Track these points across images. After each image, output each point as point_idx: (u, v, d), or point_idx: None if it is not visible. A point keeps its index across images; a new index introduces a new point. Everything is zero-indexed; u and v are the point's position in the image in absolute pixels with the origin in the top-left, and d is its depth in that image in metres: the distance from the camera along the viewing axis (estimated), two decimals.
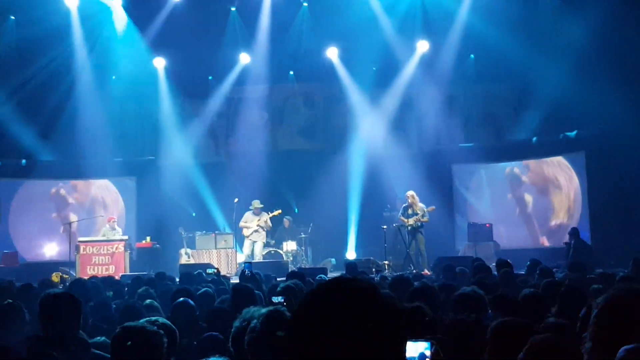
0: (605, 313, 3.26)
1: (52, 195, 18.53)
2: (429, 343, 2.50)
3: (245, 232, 16.19)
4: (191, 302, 5.07)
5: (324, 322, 1.50)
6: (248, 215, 16.29)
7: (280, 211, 16.42)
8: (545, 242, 16.96)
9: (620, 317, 3.21)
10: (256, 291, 6.45)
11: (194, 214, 17.99)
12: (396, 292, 6.36)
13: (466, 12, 16.66)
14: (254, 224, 16.10)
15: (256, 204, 16.27)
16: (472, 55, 17.79)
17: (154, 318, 4.04)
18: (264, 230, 16.22)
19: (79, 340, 4.09)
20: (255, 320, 3.30)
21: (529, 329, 3.22)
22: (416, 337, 2.63)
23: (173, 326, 3.89)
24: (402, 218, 15.08)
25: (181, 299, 5.32)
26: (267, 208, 16.42)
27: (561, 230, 16.35)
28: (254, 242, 16.14)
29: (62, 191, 18.61)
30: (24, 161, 18.01)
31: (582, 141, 16.01)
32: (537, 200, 17.35)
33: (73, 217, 17.99)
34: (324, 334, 1.49)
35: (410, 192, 15.21)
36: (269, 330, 3.11)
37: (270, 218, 16.26)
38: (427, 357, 2.53)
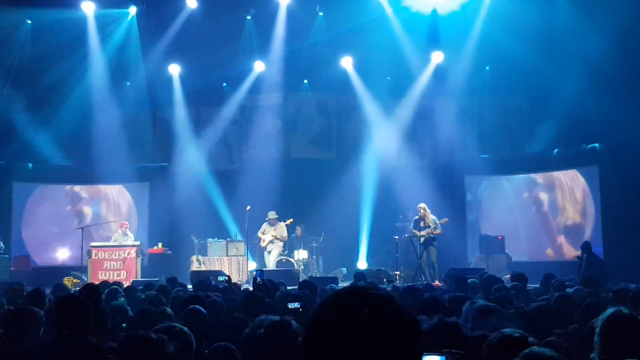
0: (609, 331, 3.24)
1: (67, 192, 18.74)
2: (444, 358, 2.47)
3: (262, 243, 16.34)
4: (202, 309, 5.05)
5: (340, 333, 1.48)
6: (264, 226, 16.43)
7: (291, 220, 16.45)
8: (563, 240, 16.83)
9: (623, 335, 3.19)
10: (267, 299, 6.44)
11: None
12: (407, 302, 6.35)
13: (481, 24, 16.62)
14: (269, 235, 16.18)
15: (271, 215, 16.37)
16: (487, 67, 17.73)
17: (167, 324, 4.03)
18: (280, 241, 16.32)
19: (89, 345, 4.09)
20: (262, 329, 3.30)
21: (524, 343, 3.20)
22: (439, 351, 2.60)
23: (190, 333, 3.87)
24: (414, 231, 15.01)
25: (192, 306, 5.29)
26: (279, 217, 16.44)
27: (578, 230, 16.41)
28: (270, 252, 16.29)
29: (76, 187, 18.77)
30: (30, 165, 18.08)
31: (596, 155, 15.93)
32: (551, 199, 17.31)
33: (87, 210, 18.14)
34: (340, 346, 1.47)
35: (422, 205, 15.13)
36: (273, 338, 3.10)
37: (286, 226, 16.33)
38: None
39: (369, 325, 1.48)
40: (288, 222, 16.38)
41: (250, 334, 3.17)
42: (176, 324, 4.05)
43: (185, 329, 3.90)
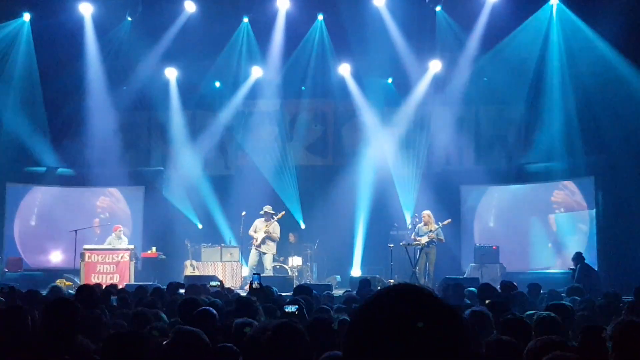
0: (625, 342, 3.22)
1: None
2: None
3: (255, 242, 15.86)
4: (213, 310, 4.93)
5: (391, 333, 1.40)
6: (258, 222, 16.01)
7: (284, 212, 16.15)
8: (558, 251, 16.75)
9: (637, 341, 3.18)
10: (267, 304, 6.38)
11: (200, 226, 18.00)
12: None
13: (478, 35, 16.72)
14: (262, 232, 15.82)
15: (267, 208, 16.01)
16: (485, 78, 17.72)
17: (186, 328, 3.93)
18: (272, 241, 15.93)
19: (78, 345, 4.07)
20: (269, 332, 3.25)
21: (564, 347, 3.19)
22: None
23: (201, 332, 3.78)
24: (418, 238, 14.97)
25: (202, 308, 5.18)
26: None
27: (572, 241, 16.39)
28: (263, 253, 15.82)
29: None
30: (44, 168, 18.04)
31: (592, 166, 15.94)
32: (546, 210, 17.34)
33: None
34: (391, 347, 1.40)
35: (427, 212, 15.20)
36: (278, 341, 3.07)
37: (278, 220, 15.92)
38: None
39: (418, 319, 1.41)
40: (280, 215, 16.04)
41: (253, 337, 3.13)
42: (196, 330, 3.94)
43: (202, 333, 3.82)
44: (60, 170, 18.24)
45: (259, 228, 15.92)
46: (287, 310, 5.22)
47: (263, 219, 15.97)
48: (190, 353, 3.44)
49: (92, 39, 17.24)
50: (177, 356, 3.45)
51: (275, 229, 15.91)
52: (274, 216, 15.94)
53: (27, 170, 18.01)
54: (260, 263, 15.79)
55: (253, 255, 15.88)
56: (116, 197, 18.84)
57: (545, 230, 17.27)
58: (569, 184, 16.96)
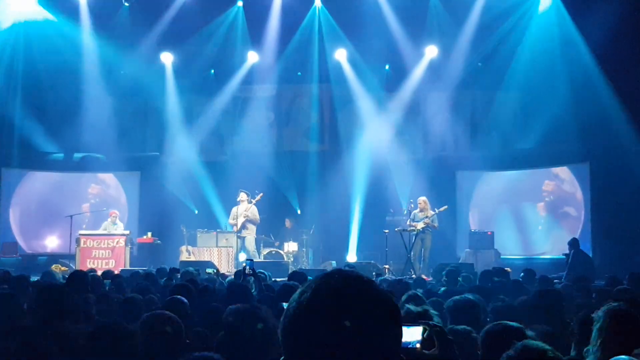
0: (613, 326, 3.24)
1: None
2: (422, 328, 2.52)
3: (235, 229, 15.83)
4: (184, 299, 5.02)
5: (321, 309, 1.49)
6: (235, 210, 15.89)
7: (262, 194, 15.98)
8: (552, 237, 16.80)
9: (628, 331, 3.19)
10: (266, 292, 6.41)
11: (196, 211, 18.03)
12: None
13: (476, 20, 16.67)
14: (241, 217, 15.69)
15: (242, 197, 15.93)
16: (479, 63, 17.70)
17: (158, 311, 4.01)
18: (253, 224, 15.80)
19: (63, 330, 4.10)
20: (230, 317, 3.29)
21: (520, 333, 3.21)
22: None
23: (179, 320, 3.84)
24: (414, 224, 14.98)
25: (172, 296, 5.27)
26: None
27: (567, 227, 16.50)
28: (244, 237, 15.74)
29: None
30: (40, 153, 18.01)
31: (587, 152, 15.96)
32: (541, 195, 17.42)
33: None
34: (322, 321, 1.47)
35: (423, 198, 15.20)
36: (238, 325, 3.11)
37: (256, 205, 15.78)
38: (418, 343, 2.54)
39: (350, 301, 1.48)
40: (258, 197, 15.88)
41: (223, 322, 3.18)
42: (166, 311, 4.03)
43: (175, 316, 3.87)
44: (56, 155, 18.23)
45: (237, 214, 15.89)
46: (284, 306, 5.25)
47: (240, 205, 15.92)
48: (162, 336, 3.47)
49: (88, 23, 17.15)
50: (147, 341, 3.47)
51: (254, 212, 15.82)
52: (251, 200, 15.93)
53: (22, 155, 17.96)
54: (244, 248, 15.80)
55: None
56: (108, 184, 18.83)
57: (538, 217, 17.32)
58: (563, 171, 16.98)
